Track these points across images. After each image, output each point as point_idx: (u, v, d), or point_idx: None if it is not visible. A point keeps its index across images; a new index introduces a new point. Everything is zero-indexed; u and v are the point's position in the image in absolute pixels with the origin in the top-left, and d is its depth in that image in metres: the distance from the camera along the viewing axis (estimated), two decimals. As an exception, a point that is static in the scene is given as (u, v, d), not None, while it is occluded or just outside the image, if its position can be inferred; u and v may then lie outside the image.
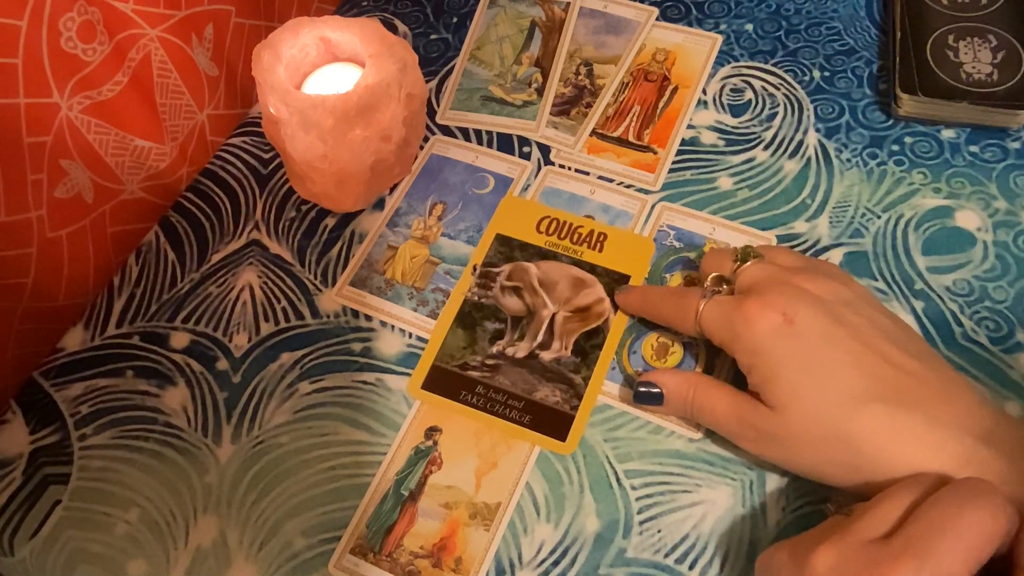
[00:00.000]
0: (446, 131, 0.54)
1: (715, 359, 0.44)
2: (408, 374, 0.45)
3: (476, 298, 0.47)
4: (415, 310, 0.47)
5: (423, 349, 0.46)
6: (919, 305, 0.44)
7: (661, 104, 0.53)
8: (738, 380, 0.40)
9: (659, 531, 0.40)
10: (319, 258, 0.50)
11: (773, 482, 0.40)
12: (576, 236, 0.49)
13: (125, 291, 0.49)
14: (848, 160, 0.50)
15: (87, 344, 0.47)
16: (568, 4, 0.59)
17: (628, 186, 0.50)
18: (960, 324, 0.44)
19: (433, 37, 0.59)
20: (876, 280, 0.45)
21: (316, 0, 0.60)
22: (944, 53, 0.51)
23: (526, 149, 0.53)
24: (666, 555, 0.39)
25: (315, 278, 0.49)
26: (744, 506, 0.40)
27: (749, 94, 0.53)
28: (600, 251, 0.48)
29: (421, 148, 0.53)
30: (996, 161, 0.49)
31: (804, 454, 0.37)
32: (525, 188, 0.51)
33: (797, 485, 0.40)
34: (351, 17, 0.47)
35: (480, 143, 0.53)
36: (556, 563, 0.39)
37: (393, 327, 0.47)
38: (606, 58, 0.56)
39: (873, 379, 0.35)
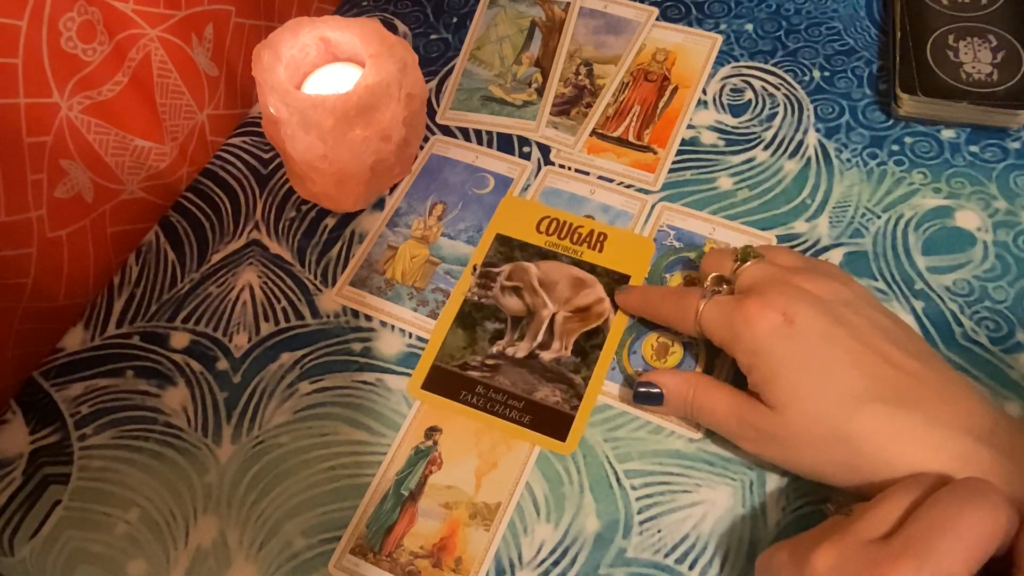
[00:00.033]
0: (446, 131, 0.54)
1: (715, 359, 0.44)
2: (408, 374, 0.45)
3: (476, 298, 0.47)
4: (415, 310, 0.47)
5: (423, 349, 0.46)
6: (919, 305, 0.44)
7: (661, 104, 0.53)
8: (738, 380, 0.40)
9: (659, 531, 0.40)
10: (319, 258, 0.50)
11: (773, 482, 0.40)
12: (576, 236, 0.49)
13: (125, 291, 0.49)
14: (848, 160, 0.50)
15: (87, 344, 0.48)
16: (568, 4, 0.59)
17: (628, 186, 0.50)
18: (960, 324, 0.44)
19: (433, 37, 0.59)
20: (876, 280, 0.45)
21: (316, 0, 0.60)
22: (944, 53, 0.51)
23: (526, 149, 0.53)
24: (666, 555, 0.39)
25: (315, 278, 0.49)
26: (744, 506, 0.40)
27: (749, 94, 0.53)
28: (600, 251, 0.48)
29: (421, 148, 0.53)
30: (996, 161, 0.49)
31: (804, 454, 0.37)
32: (525, 188, 0.51)
33: (797, 485, 0.40)
34: (351, 17, 0.47)
35: (480, 143, 0.53)
36: (556, 563, 0.39)
37: (393, 327, 0.47)
38: (606, 58, 0.56)
39: (873, 379, 0.35)
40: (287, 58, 0.46)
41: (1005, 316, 0.44)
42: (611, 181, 0.51)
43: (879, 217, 0.48)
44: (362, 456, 0.43)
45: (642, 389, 0.41)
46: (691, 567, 0.39)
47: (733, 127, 0.52)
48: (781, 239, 0.47)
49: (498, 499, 0.41)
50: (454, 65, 0.57)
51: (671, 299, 0.42)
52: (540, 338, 0.45)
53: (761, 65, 0.54)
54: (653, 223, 0.49)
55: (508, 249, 0.49)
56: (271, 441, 0.43)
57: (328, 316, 0.47)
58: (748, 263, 0.40)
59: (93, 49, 0.43)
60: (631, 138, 0.52)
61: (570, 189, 0.51)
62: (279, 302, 0.48)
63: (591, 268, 0.47)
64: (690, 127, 0.52)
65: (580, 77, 0.55)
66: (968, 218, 0.47)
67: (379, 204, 0.51)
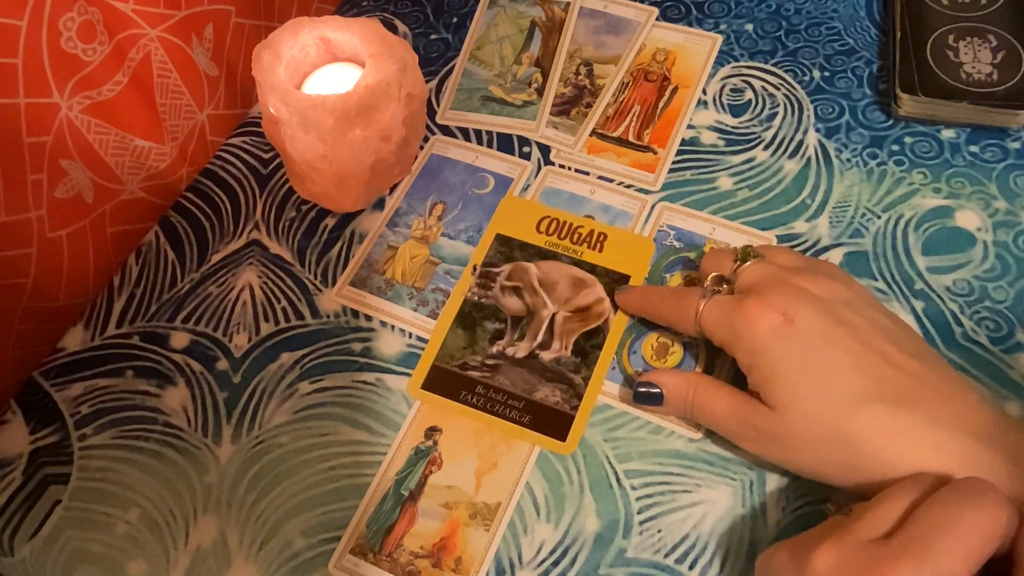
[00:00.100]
0: (446, 131, 0.54)
1: (715, 359, 0.44)
2: (408, 374, 0.45)
3: (476, 298, 0.47)
4: (415, 310, 0.47)
5: (423, 349, 0.46)
6: (919, 305, 0.44)
7: (661, 104, 0.53)
8: (738, 380, 0.40)
9: (659, 531, 0.40)
10: (319, 258, 0.50)
11: (773, 482, 0.40)
12: (576, 236, 0.49)
13: (125, 291, 0.49)
14: (848, 160, 0.50)
15: (87, 344, 0.47)
16: (568, 4, 0.59)
17: (628, 186, 0.50)
18: (960, 324, 0.44)
19: (433, 37, 0.59)
20: (876, 280, 0.45)
21: (316, 0, 0.60)
22: (944, 53, 0.51)
23: (526, 149, 0.53)
24: (666, 555, 0.39)
25: (315, 278, 0.49)
26: (744, 506, 0.40)
27: (749, 94, 0.53)
28: (600, 251, 0.48)
29: (421, 148, 0.53)
30: (996, 161, 0.49)
31: (804, 454, 0.37)
32: (525, 188, 0.51)
33: (797, 485, 0.40)
34: (351, 17, 0.47)
35: (480, 143, 0.53)
36: (556, 563, 0.39)
37: (393, 327, 0.47)
38: (606, 58, 0.56)
39: (873, 379, 0.35)
40: (287, 58, 0.46)
41: (1005, 316, 0.44)
42: (611, 181, 0.51)
43: (879, 217, 0.48)
44: (362, 456, 0.43)
45: (642, 389, 0.41)
46: (691, 567, 0.39)
47: (733, 127, 0.52)
48: (781, 239, 0.47)
49: (498, 499, 0.41)
50: (454, 65, 0.57)
51: (671, 299, 0.42)
52: (540, 338, 0.45)
53: (761, 65, 0.54)
54: (653, 223, 0.49)
55: (508, 249, 0.49)
56: (271, 441, 0.43)
57: (328, 316, 0.47)
58: (748, 263, 0.40)
59: (93, 49, 0.43)
60: (631, 138, 0.52)
61: (570, 189, 0.51)
62: (279, 302, 0.48)
63: (591, 268, 0.47)
64: (690, 127, 0.52)
65: (580, 77, 0.55)
66: (968, 218, 0.47)
67: (379, 204, 0.51)
